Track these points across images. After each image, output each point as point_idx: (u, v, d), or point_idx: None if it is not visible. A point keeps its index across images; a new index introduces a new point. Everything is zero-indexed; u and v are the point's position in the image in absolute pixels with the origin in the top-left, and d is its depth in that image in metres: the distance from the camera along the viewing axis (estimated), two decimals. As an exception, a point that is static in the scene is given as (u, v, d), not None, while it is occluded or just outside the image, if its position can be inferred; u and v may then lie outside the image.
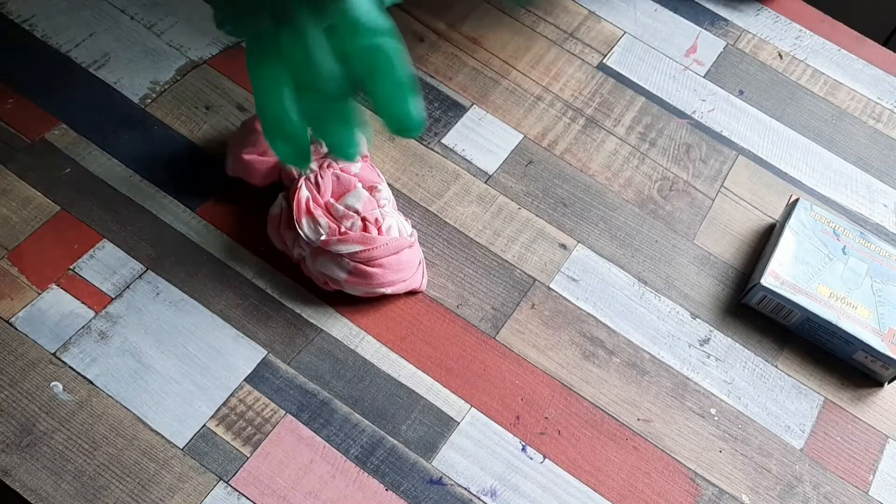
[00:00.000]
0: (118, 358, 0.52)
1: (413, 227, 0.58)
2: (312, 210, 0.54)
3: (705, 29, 0.77)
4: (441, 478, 0.52)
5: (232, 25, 0.46)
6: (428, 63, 0.69)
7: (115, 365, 0.52)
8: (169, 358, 0.53)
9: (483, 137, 0.66)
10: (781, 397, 0.58)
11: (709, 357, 0.59)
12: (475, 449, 0.53)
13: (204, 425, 0.51)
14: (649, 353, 0.58)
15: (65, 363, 0.52)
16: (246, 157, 0.57)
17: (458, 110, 0.67)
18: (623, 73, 0.72)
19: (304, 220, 0.54)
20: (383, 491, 0.51)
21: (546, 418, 0.55)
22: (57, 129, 0.60)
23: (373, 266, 0.54)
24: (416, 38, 0.70)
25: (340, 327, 0.56)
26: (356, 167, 0.57)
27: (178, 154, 0.61)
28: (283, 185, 0.58)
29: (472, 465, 0.52)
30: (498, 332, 0.57)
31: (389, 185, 0.62)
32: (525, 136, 0.67)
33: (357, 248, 0.53)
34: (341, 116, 0.45)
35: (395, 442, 0.52)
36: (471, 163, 0.64)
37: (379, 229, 0.54)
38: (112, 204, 0.58)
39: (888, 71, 0.77)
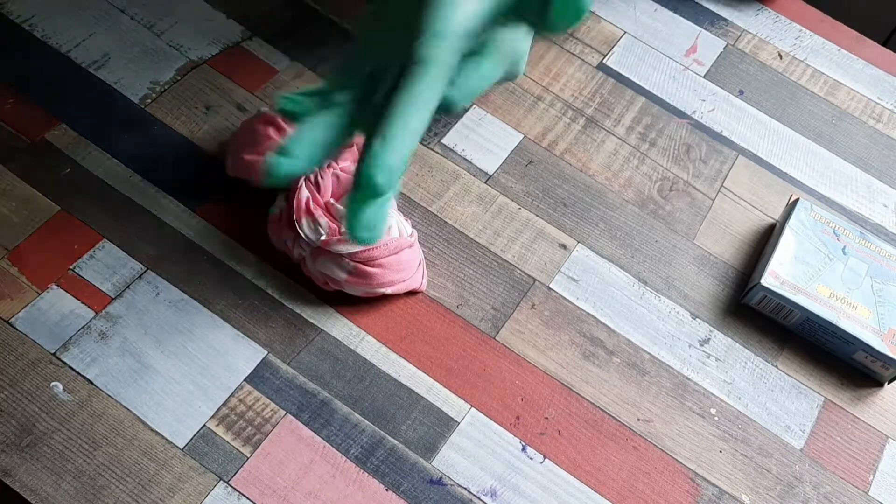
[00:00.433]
0: (118, 358, 0.52)
1: (413, 227, 0.58)
2: (312, 210, 0.54)
3: (705, 29, 0.77)
4: (441, 478, 0.52)
5: None
6: (428, 63, 0.69)
7: (115, 365, 0.52)
8: (169, 358, 0.53)
9: (483, 137, 0.66)
10: (781, 397, 0.58)
11: (709, 357, 0.59)
12: (475, 449, 0.53)
13: (204, 425, 0.51)
14: (649, 353, 0.58)
15: (65, 363, 0.52)
16: (246, 157, 0.57)
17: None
18: (623, 73, 0.72)
19: (304, 220, 0.54)
20: (383, 491, 0.51)
21: (546, 418, 0.55)
22: (57, 129, 0.60)
23: (373, 266, 0.54)
24: (416, 38, 0.70)
25: (340, 327, 0.56)
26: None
27: (178, 154, 0.61)
28: (282, 186, 0.58)
29: (472, 465, 0.52)
30: (498, 332, 0.57)
31: (389, 185, 0.62)
32: (525, 136, 0.67)
33: (357, 247, 0.53)
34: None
35: (395, 442, 0.52)
36: (471, 163, 0.64)
37: None
38: (112, 204, 0.58)
39: (888, 71, 0.77)
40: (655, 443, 0.55)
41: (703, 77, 0.74)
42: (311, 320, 0.56)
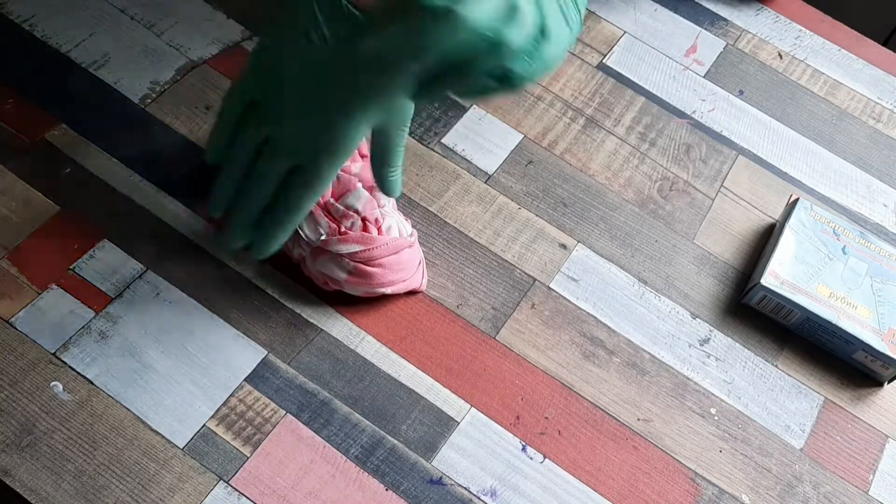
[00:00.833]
0: (118, 358, 0.52)
1: (413, 227, 0.58)
2: (312, 210, 0.54)
3: (705, 29, 0.77)
4: (441, 478, 0.52)
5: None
6: (428, 63, 0.69)
7: (115, 365, 0.52)
8: (169, 358, 0.53)
9: (483, 137, 0.66)
10: (781, 397, 0.58)
11: (709, 357, 0.59)
12: (475, 449, 0.53)
13: (204, 425, 0.51)
14: (649, 353, 0.58)
15: (65, 363, 0.52)
16: None
17: (458, 110, 0.67)
18: (623, 73, 0.72)
19: (303, 220, 0.54)
20: (383, 491, 0.51)
21: (546, 418, 0.55)
22: (57, 129, 0.60)
23: (373, 266, 0.54)
24: (416, 38, 0.70)
25: (340, 327, 0.56)
26: (356, 167, 0.57)
27: (178, 154, 0.61)
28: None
29: (472, 464, 0.52)
30: (498, 332, 0.57)
31: (389, 185, 0.62)
32: (525, 136, 0.67)
33: (357, 247, 0.53)
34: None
35: (395, 442, 0.52)
36: (471, 163, 0.64)
37: (379, 229, 0.54)
38: (112, 204, 0.58)
39: (888, 71, 0.77)
40: (655, 442, 0.55)
41: (703, 77, 0.74)
42: (311, 320, 0.56)
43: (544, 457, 0.53)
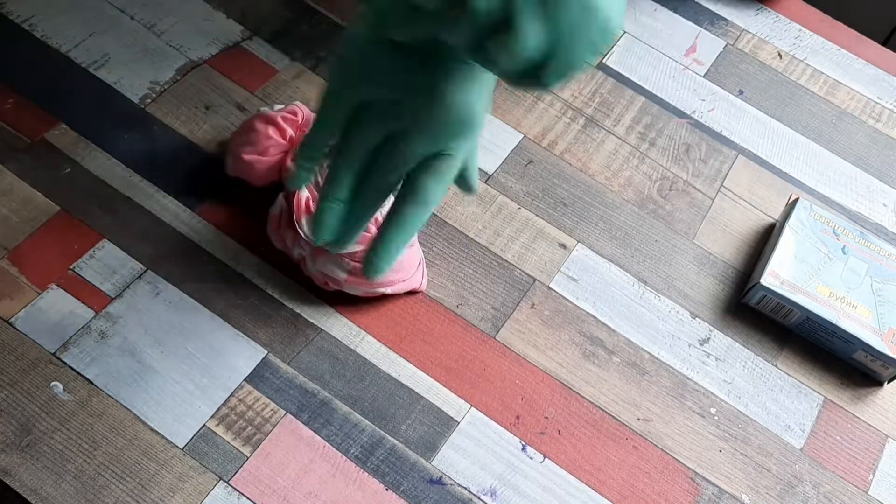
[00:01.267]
0: (118, 358, 0.52)
1: (413, 226, 0.58)
2: (313, 210, 0.54)
3: (705, 29, 0.77)
4: (441, 477, 0.52)
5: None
6: (428, 63, 0.69)
7: (115, 365, 0.52)
8: (169, 358, 0.53)
9: (483, 137, 0.66)
10: (781, 397, 0.58)
11: (709, 357, 0.59)
12: (475, 448, 0.53)
13: (204, 425, 0.51)
14: (649, 353, 0.58)
15: (65, 363, 0.52)
16: (246, 157, 0.57)
17: (457, 110, 0.67)
18: (623, 72, 0.72)
19: (304, 220, 0.54)
20: (383, 490, 0.51)
21: (546, 418, 0.55)
22: (57, 129, 0.60)
23: None
24: (416, 38, 0.70)
25: (340, 327, 0.56)
26: None
27: (178, 154, 0.61)
28: (283, 185, 0.58)
29: (472, 464, 0.52)
30: (498, 332, 0.57)
31: (389, 184, 0.62)
32: (525, 136, 0.67)
33: (357, 247, 0.53)
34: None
35: (395, 441, 0.52)
36: (471, 163, 0.64)
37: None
38: (112, 204, 0.58)
39: (888, 71, 0.77)
40: (655, 442, 0.55)
41: (703, 77, 0.74)
42: (311, 320, 0.56)
43: (544, 456, 0.53)
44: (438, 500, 0.51)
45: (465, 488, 0.52)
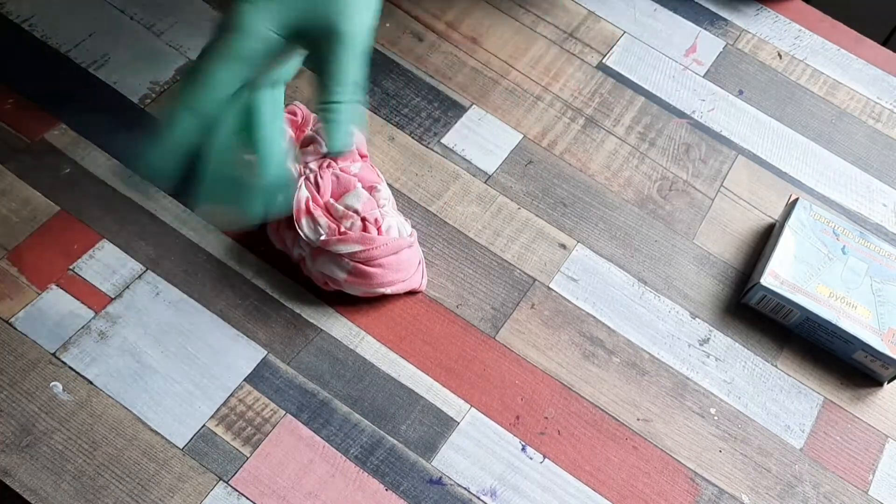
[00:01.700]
0: (118, 358, 0.52)
1: (413, 227, 0.58)
2: (312, 210, 0.54)
3: (705, 29, 0.77)
4: (441, 478, 0.52)
5: None
6: (427, 63, 0.69)
7: (115, 365, 0.52)
8: (169, 358, 0.53)
9: (483, 137, 0.66)
10: (781, 397, 0.58)
11: (709, 357, 0.59)
12: (475, 449, 0.53)
13: (204, 425, 0.51)
14: (649, 353, 0.58)
15: (65, 363, 0.52)
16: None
17: (457, 110, 0.67)
18: (623, 72, 0.72)
19: (303, 220, 0.54)
20: (383, 491, 0.51)
21: (546, 418, 0.55)
22: (57, 129, 0.60)
23: (372, 266, 0.54)
24: (416, 38, 0.70)
25: (340, 327, 0.56)
26: (356, 167, 0.57)
27: (177, 154, 0.60)
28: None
29: (472, 464, 0.52)
30: (498, 332, 0.57)
31: (389, 185, 0.62)
32: (525, 136, 0.67)
33: (357, 248, 0.53)
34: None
35: (395, 442, 0.52)
36: (470, 163, 0.64)
37: (378, 229, 0.54)
38: (112, 204, 0.58)
39: (888, 71, 0.77)
40: (655, 442, 0.55)
41: (703, 77, 0.74)
42: (311, 320, 0.56)
43: (544, 457, 0.53)
44: (438, 500, 0.51)
45: (465, 488, 0.52)
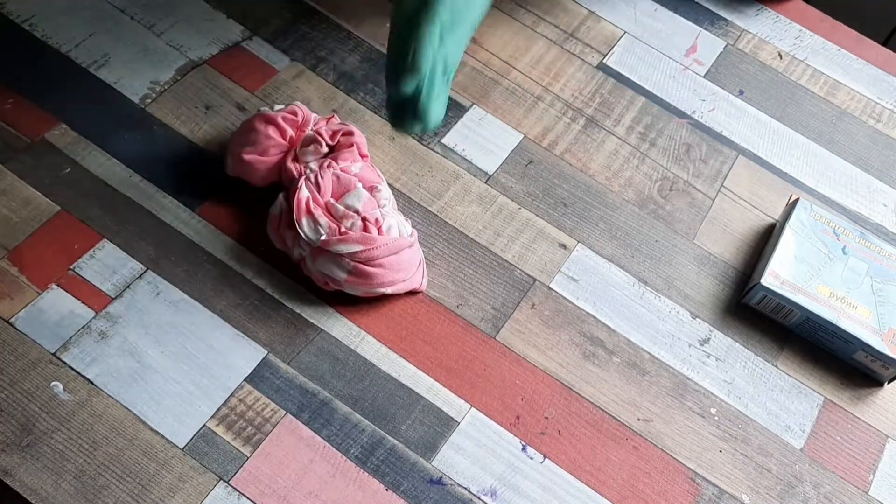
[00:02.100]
0: (118, 358, 0.52)
1: (413, 227, 0.58)
2: (312, 210, 0.54)
3: (705, 29, 0.77)
4: (441, 478, 0.52)
5: None
6: (428, 63, 0.69)
7: (115, 365, 0.52)
8: (169, 358, 0.53)
9: (483, 137, 0.66)
10: (781, 397, 0.58)
11: (709, 357, 0.59)
12: (475, 449, 0.53)
13: (204, 425, 0.51)
14: (649, 353, 0.58)
15: (65, 363, 0.52)
16: (246, 157, 0.57)
17: (458, 110, 0.67)
18: (623, 73, 0.72)
19: (304, 220, 0.54)
20: (383, 491, 0.51)
21: (546, 418, 0.55)
22: (57, 129, 0.60)
23: (373, 266, 0.54)
24: (416, 38, 0.70)
25: (340, 327, 0.56)
26: (356, 167, 0.57)
27: (178, 154, 0.61)
28: (282, 185, 0.58)
29: (472, 464, 0.52)
30: (498, 332, 0.57)
31: (389, 185, 0.62)
32: (525, 136, 0.67)
33: (357, 248, 0.53)
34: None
35: (395, 442, 0.52)
36: (471, 163, 0.64)
37: (379, 229, 0.54)
38: (112, 204, 0.58)
39: (888, 71, 0.77)
40: (655, 442, 0.55)
41: (703, 77, 0.74)
42: (311, 320, 0.56)
43: (544, 457, 0.53)
44: (438, 500, 0.51)
45: (466, 488, 0.52)
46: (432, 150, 0.64)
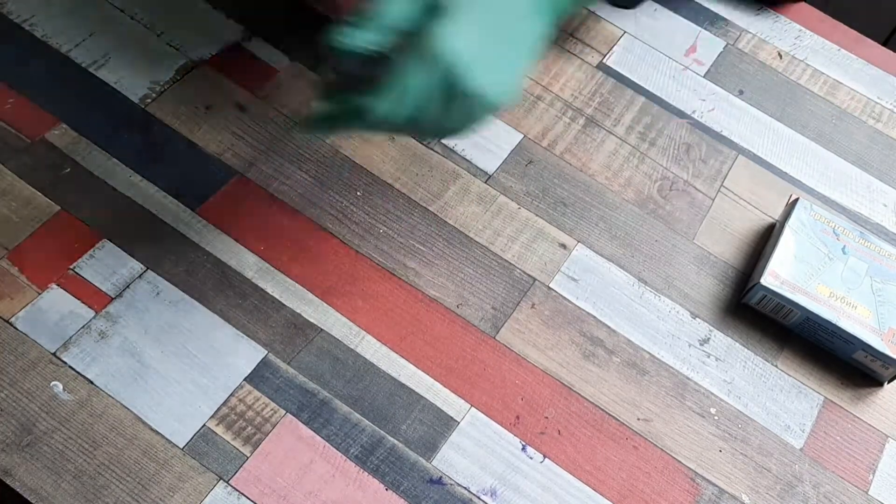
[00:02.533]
0: (118, 358, 0.52)
1: (413, 226, 0.58)
2: None
3: (705, 29, 0.77)
4: (441, 477, 0.52)
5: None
6: (428, 63, 0.69)
7: (115, 365, 0.52)
8: (169, 358, 0.53)
9: (483, 137, 0.66)
10: (781, 397, 0.58)
11: (709, 357, 0.59)
12: (475, 448, 0.53)
13: (204, 425, 0.51)
14: (649, 353, 0.58)
15: (65, 363, 0.52)
16: None
17: (457, 110, 0.67)
18: (623, 72, 0.72)
19: None
20: (383, 490, 0.51)
21: (546, 418, 0.55)
22: (57, 129, 0.60)
23: None
24: (416, 38, 0.70)
25: (340, 327, 0.56)
26: None
27: (178, 154, 0.61)
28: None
29: (472, 464, 0.52)
30: (498, 332, 0.57)
31: (389, 184, 0.62)
32: (525, 136, 0.67)
33: None
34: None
35: (395, 441, 0.52)
36: (471, 162, 0.64)
37: None
38: (112, 204, 0.58)
39: (888, 71, 0.77)
40: (655, 442, 0.55)
41: (703, 77, 0.74)
42: (312, 320, 0.56)
43: (544, 456, 0.53)
44: (438, 500, 0.51)
45: (465, 488, 0.52)
46: (432, 150, 0.64)
